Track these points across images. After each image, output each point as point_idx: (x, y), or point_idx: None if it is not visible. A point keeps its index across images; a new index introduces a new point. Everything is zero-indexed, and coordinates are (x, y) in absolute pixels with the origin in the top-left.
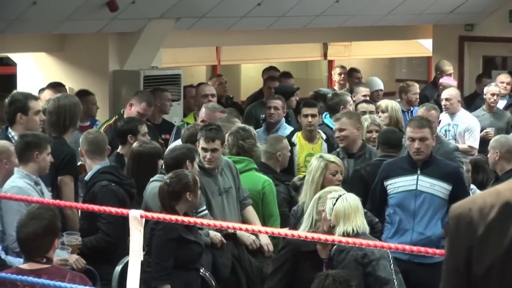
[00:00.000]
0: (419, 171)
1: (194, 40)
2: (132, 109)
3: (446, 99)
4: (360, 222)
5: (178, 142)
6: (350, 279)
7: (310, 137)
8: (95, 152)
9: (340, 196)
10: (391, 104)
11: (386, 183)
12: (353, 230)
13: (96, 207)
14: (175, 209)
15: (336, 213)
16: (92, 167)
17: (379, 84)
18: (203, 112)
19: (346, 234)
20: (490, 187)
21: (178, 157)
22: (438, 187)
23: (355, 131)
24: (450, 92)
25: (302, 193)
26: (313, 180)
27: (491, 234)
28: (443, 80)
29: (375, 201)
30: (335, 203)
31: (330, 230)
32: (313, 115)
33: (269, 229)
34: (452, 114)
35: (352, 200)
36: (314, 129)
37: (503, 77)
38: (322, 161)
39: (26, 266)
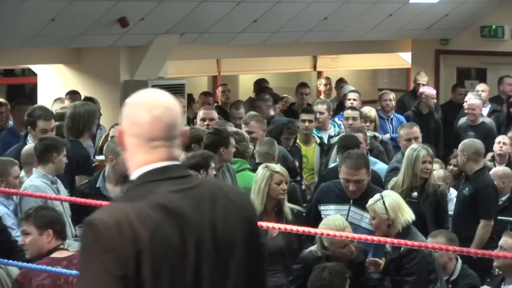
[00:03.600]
0: (351, 201)
1: (197, 53)
2: None
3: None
4: (409, 211)
5: None
6: (344, 272)
7: (306, 140)
8: None
9: (381, 196)
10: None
11: (320, 207)
12: (410, 219)
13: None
14: None
15: (392, 208)
16: None
17: (351, 89)
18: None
19: (407, 224)
20: (460, 186)
21: (192, 166)
22: (367, 220)
23: (261, 132)
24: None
25: None
26: (259, 189)
27: (156, 237)
28: (424, 89)
29: (309, 223)
30: (384, 202)
31: (388, 230)
32: (310, 121)
33: (267, 223)
34: None
35: (394, 194)
36: (310, 133)
37: (480, 88)
38: (267, 170)
39: (56, 254)
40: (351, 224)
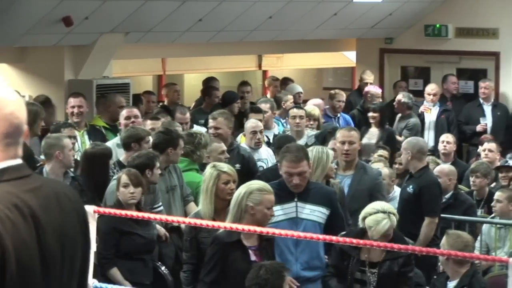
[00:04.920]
0: (296, 198)
1: (142, 52)
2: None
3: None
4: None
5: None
6: (282, 270)
7: None
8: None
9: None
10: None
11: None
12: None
13: None
14: (120, 203)
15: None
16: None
17: (298, 88)
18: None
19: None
20: (404, 184)
21: (138, 166)
22: (317, 213)
23: (228, 130)
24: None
25: (200, 202)
26: (207, 189)
27: (15, 238)
28: (370, 88)
29: None
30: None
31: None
32: (259, 120)
33: (210, 223)
34: None
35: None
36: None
37: (429, 89)
38: (215, 170)
39: None
40: (303, 219)
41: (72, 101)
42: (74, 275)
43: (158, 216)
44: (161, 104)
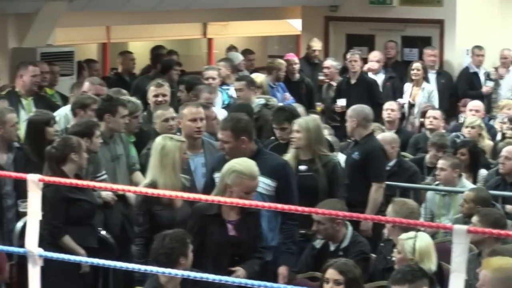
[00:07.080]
0: None
1: (86, 20)
2: (25, 78)
3: None
4: (435, 260)
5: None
6: (185, 237)
7: None
8: None
9: (416, 235)
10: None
11: (214, 176)
12: (433, 267)
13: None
14: (63, 171)
15: (420, 251)
16: None
17: (239, 57)
18: (86, 85)
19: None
20: (349, 150)
21: (75, 134)
22: (262, 184)
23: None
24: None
25: (161, 176)
26: (174, 162)
27: None
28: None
29: (206, 192)
30: (415, 242)
31: None
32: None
33: (149, 190)
34: None
35: (428, 238)
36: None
37: (372, 56)
38: (176, 141)
39: None
40: None
41: (35, 69)
42: None
43: (103, 185)
44: (114, 71)
